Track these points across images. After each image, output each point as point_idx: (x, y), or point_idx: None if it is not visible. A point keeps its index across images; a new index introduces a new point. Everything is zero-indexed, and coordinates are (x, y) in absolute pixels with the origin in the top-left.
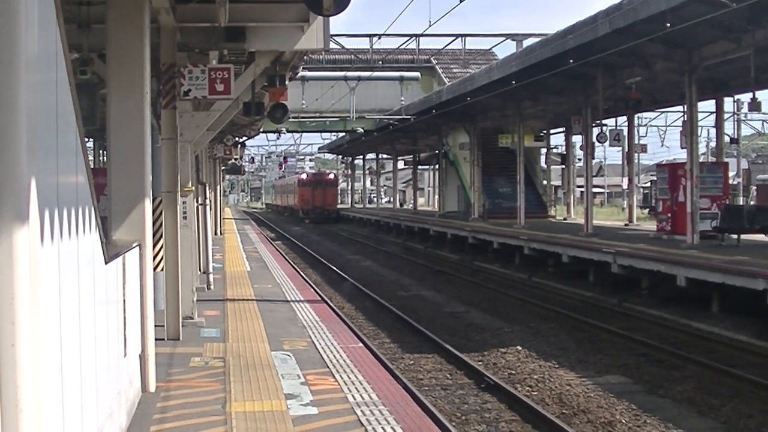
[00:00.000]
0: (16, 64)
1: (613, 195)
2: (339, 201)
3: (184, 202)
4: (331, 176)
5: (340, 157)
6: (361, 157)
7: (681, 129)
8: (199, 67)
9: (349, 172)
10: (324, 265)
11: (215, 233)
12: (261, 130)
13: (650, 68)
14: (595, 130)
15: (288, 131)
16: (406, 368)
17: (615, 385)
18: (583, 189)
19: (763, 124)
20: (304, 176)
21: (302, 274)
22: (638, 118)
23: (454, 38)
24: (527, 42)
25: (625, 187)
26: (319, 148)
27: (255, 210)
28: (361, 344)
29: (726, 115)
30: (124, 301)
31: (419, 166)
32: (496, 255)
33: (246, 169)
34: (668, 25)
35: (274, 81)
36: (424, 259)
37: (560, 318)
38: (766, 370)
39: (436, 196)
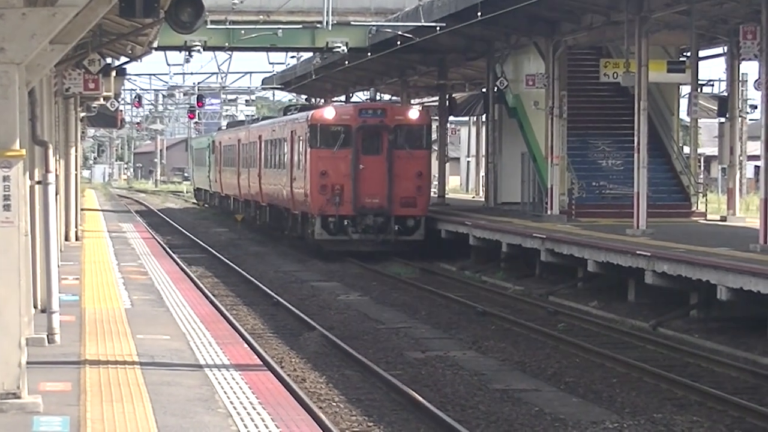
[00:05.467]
0: None
1: None
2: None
3: (5, 178)
4: (414, 114)
5: (304, 97)
6: (342, 99)
7: None
8: None
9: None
10: (269, 300)
11: (66, 237)
12: (155, 45)
13: None
14: None
15: (206, 48)
16: None
17: None
18: (759, 162)
19: None
20: (328, 113)
21: (228, 315)
22: None
23: None
24: None
25: None
26: (263, 81)
27: (144, 194)
28: None
29: None
30: None
31: (451, 118)
32: (591, 285)
33: (127, 119)
34: None
35: None
36: (457, 289)
37: (711, 406)
38: None
39: (482, 174)
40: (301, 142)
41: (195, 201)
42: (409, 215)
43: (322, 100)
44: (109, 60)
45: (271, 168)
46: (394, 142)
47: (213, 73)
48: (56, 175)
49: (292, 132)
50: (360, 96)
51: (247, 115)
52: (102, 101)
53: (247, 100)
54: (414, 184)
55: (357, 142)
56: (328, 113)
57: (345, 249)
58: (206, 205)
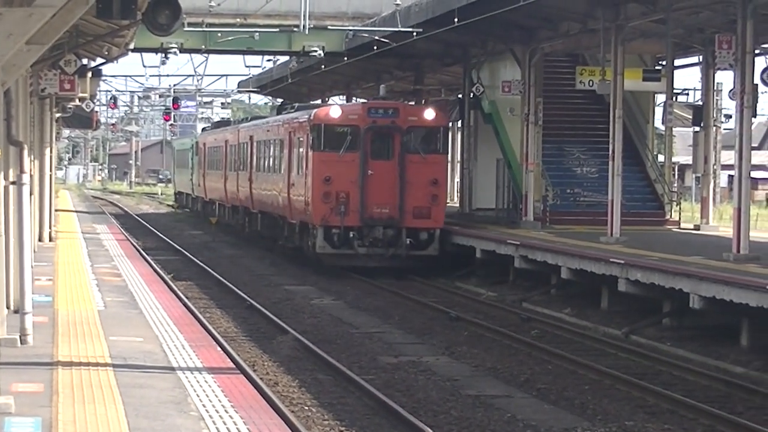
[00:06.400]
0: None
1: None
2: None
3: None
4: (430, 114)
5: (279, 101)
6: (318, 102)
7: None
8: None
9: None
10: (242, 303)
11: (40, 238)
12: (132, 47)
13: None
14: (760, 62)
15: (183, 51)
16: None
17: None
18: (733, 172)
19: None
20: (334, 112)
21: (201, 318)
22: None
23: None
24: None
25: None
26: (239, 84)
27: (119, 196)
28: None
29: None
30: None
31: None
32: (564, 291)
33: (102, 120)
34: None
35: None
36: (431, 295)
37: (682, 414)
38: None
39: (457, 179)
40: (301, 143)
41: (170, 204)
42: (423, 227)
43: (298, 104)
44: (85, 61)
45: (265, 172)
46: (407, 146)
47: (189, 76)
48: (31, 176)
49: (290, 133)
50: (336, 101)
51: (222, 118)
52: (77, 102)
53: (222, 103)
54: (428, 193)
55: (365, 144)
56: (334, 112)
57: (350, 264)
58: (187, 209)
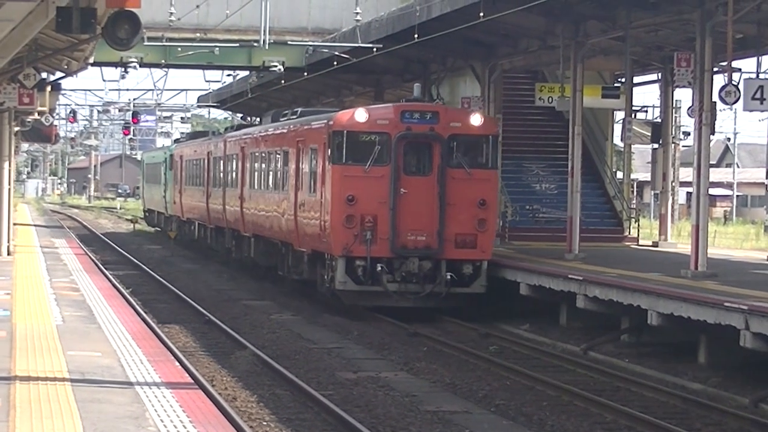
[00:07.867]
0: None
1: (748, 202)
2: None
3: None
4: (476, 120)
5: (239, 115)
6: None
7: None
8: None
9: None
10: (201, 318)
11: None
12: (91, 61)
13: None
14: (719, 80)
15: (143, 65)
16: None
17: None
18: (691, 189)
19: None
20: (359, 116)
21: (159, 332)
22: None
23: None
24: None
25: None
26: (199, 98)
27: (78, 210)
28: None
29: None
30: None
31: None
32: (523, 308)
33: (61, 134)
34: None
35: None
36: (390, 310)
37: (640, 430)
38: None
39: None
40: (315, 155)
41: (129, 219)
42: (467, 259)
43: (258, 119)
44: (44, 75)
45: (261, 189)
46: (448, 158)
47: (149, 90)
48: None
49: (299, 142)
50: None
51: (182, 133)
52: (36, 116)
53: (182, 118)
54: (474, 217)
55: (398, 156)
56: (359, 116)
57: (377, 304)
58: (159, 229)
